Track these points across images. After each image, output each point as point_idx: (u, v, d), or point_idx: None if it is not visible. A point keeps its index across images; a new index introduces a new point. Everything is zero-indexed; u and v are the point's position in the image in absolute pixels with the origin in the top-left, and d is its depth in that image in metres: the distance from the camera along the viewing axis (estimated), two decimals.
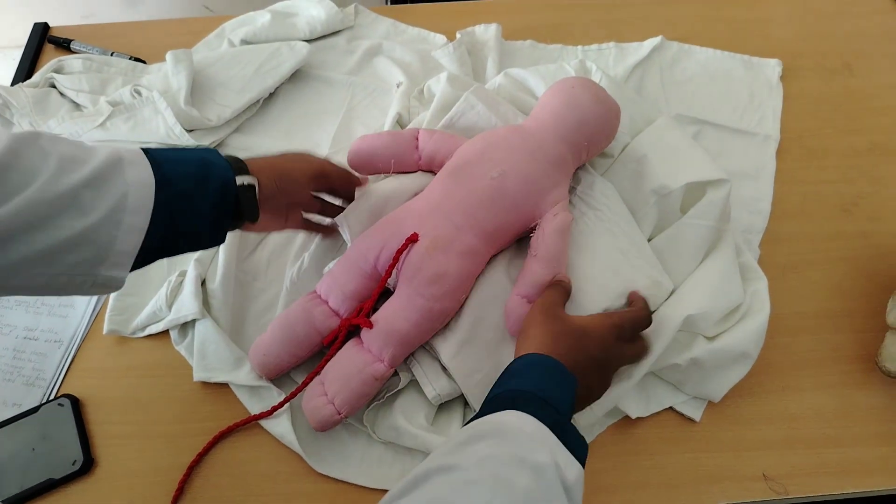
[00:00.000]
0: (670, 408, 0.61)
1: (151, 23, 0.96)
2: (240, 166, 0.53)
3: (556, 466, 0.39)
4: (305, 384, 0.58)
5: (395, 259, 0.58)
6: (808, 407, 0.61)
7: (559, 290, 0.57)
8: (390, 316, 0.58)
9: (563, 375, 0.48)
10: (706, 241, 0.63)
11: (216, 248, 0.68)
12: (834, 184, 0.75)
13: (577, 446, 0.43)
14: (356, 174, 0.65)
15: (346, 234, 0.63)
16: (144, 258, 0.48)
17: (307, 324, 0.60)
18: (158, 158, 0.48)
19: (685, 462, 0.59)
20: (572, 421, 0.47)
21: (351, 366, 0.57)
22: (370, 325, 0.58)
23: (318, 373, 0.58)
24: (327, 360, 0.58)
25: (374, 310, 0.60)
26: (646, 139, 0.68)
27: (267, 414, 0.60)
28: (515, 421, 0.42)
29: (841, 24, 0.89)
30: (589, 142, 0.64)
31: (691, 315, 0.59)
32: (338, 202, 0.66)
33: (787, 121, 0.80)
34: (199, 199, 0.50)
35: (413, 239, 0.58)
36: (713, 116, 0.79)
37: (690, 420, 0.61)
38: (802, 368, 0.63)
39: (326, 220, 0.66)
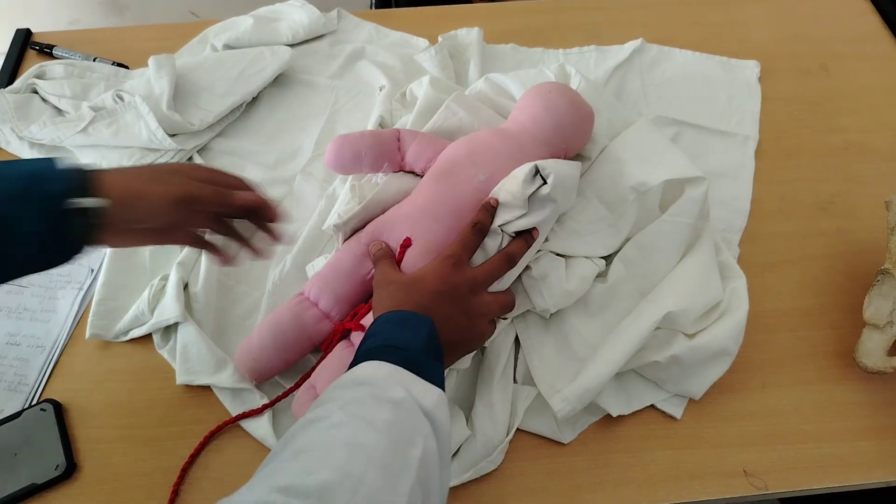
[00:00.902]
0: (651, 405, 0.62)
1: (134, 28, 0.96)
2: (83, 181, 0.47)
3: (412, 397, 0.43)
4: (298, 385, 0.58)
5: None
6: (787, 403, 0.62)
7: (383, 255, 0.59)
8: None
9: (413, 319, 0.51)
10: (685, 239, 0.64)
11: (198, 251, 0.68)
12: (811, 182, 0.76)
13: (433, 373, 0.47)
14: (245, 194, 0.56)
15: (339, 239, 0.64)
16: None
17: (298, 328, 0.60)
18: None
19: (666, 459, 0.59)
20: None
21: (345, 368, 0.56)
22: (363, 329, 0.58)
23: (309, 376, 0.58)
24: (318, 364, 0.58)
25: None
26: (624, 140, 0.68)
27: (260, 410, 0.60)
28: (369, 369, 0.45)
29: (817, 26, 0.90)
30: (566, 144, 0.65)
31: (671, 312, 0.59)
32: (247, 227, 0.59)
33: (764, 121, 0.81)
34: (18, 222, 0.44)
35: (407, 244, 0.59)
36: (693, 117, 0.80)
37: (671, 417, 0.61)
38: (781, 365, 0.64)
39: (224, 245, 0.59)
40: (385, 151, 0.66)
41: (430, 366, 0.47)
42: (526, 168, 0.57)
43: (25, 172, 0.45)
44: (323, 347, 0.59)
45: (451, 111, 0.70)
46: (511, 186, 0.57)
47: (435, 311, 0.52)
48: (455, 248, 0.57)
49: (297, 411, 0.58)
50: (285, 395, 0.59)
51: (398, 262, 0.59)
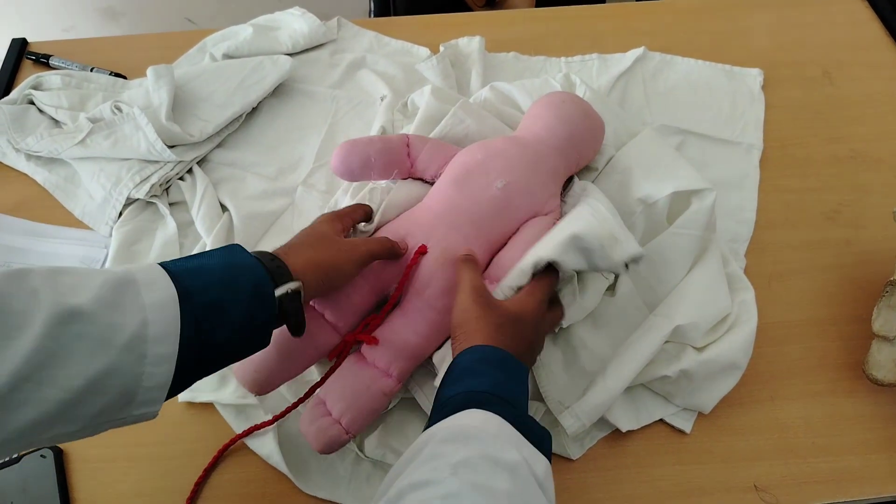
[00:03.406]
0: (661, 420, 0.61)
1: (132, 37, 0.95)
2: (277, 267, 0.47)
3: (527, 463, 0.39)
4: (305, 398, 0.56)
5: (407, 273, 0.57)
6: (797, 416, 0.61)
7: (474, 268, 0.55)
8: (399, 330, 0.56)
9: (515, 366, 0.47)
10: (693, 251, 0.63)
11: None
12: (817, 192, 0.76)
13: (541, 439, 0.43)
14: (395, 244, 0.59)
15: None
16: (181, 382, 0.43)
17: (304, 337, 0.57)
18: (175, 270, 0.43)
19: (676, 474, 0.59)
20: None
21: (358, 383, 0.55)
22: (376, 341, 0.56)
23: (316, 388, 0.56)
24: (328, 376, 0.56)
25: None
26: (630, 151, 0.68)
27: (270, 423, 0.58)
28: (478, 421, 0.41)
29: (820, 34, 0.90)
30: (579, 154, 0.65)
31: (680, 325, 0.59)
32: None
33: (768, 130, 0.80)
34: (229, 307, 0.43)
35: (422, 251, 0.58)
36: (696, 126, 0.80)
37: (681, 432, 0.61)
38: (790, 377, 0.64)
39: None
40: (395, 157, 0.64)
41: (536, 429, 0.43)
42: (529, 261, 0.54)
43: (223, 263, 0.45)
44: (331, 357, 0.56)
45: (457, 118, 0.69)
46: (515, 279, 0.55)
47: (526, 359, 0.50)
48: (546, 295, 0.54)
49: (306, 430, 0.55)
50: (294, 407, 0.57)
51: (411, 266, 0.57)
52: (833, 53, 0.88)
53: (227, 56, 0.85)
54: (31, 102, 0.79)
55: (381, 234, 0.60)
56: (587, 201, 0.60)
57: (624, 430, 0.60)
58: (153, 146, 0.72)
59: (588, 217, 0.55)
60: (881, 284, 0.62)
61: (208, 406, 0.62)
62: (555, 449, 0.59)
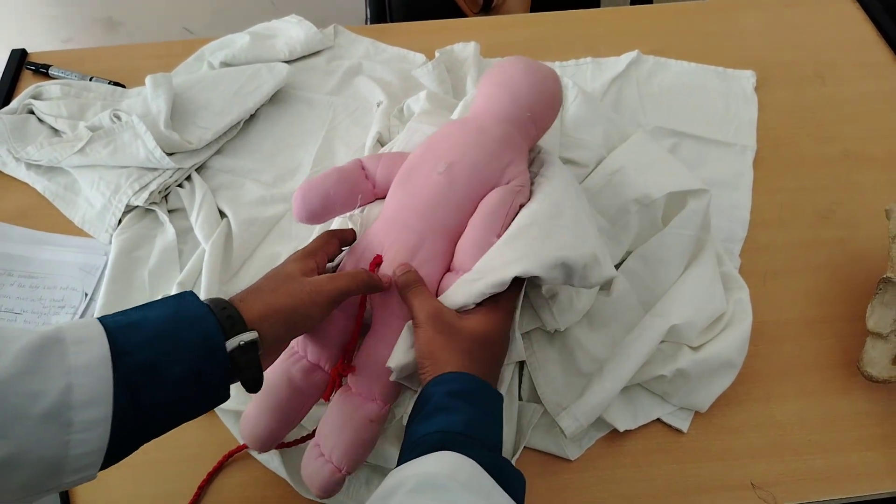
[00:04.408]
0: (658, 419, 0.61)
1: (130, 47, 0.96)
2: (229, 317, 0.43)
3: None
4: (298, 442, 0.56)
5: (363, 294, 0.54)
6: (793, 414, 0.62)
7: (420, 290, 0.52)
8: (373, 349, 0.54)
9: (487, 396, 0.46)
10: (688, 251, 0.64)
11: (199, 267, 0.68)
12: (810, 191, 0.76)
13: (513, 480, 0.41)
14: (372, 276, 0.54)
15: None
16: (123, 447, 0.40)
17: (289, 386, 0.54)
18: (112, 326, 0.40)
19: (674, 473, 0.59)
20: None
21: (342, 415, 0.53)
22: (352, 370, 0.53)
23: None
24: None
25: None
26: (622, 153, 0.69)
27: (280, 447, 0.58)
28: (448, 468, 0.39)
29: (812, 35, 0.91)
30: (532, 112, 0.60)
31: (675, 325, 0.59)
32: None
33: (762, 130, 0.81)
34: (169, 365, 0.40)
35: (377, 261, 0.55)
36: (690, 128, 0.80)
37: (678, 431, 0.61)
38: (786, 376, 0.64)
39: None
40: (353, 184, 0.60)
41: (509, 472, 0.41)
42: (511, 273, 0.50)
43: (168, 315, 0.42)
44: (325, 398, 0.54)
45: (412, 130, 0.69)
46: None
47: (496, 375, 0.49)
48: (513, 308, 0.53)
49: (304, 476, 0.53)
50: (291, 444, 0.56)
51: None
52: (825, 54, 0.89)
53: (225, 64, 0.86)
54: (31, 112, 0.80)
55: (347, 261, 0.57)
56: (566, 204, 0.56)
57: (621, 430, 0.60)
58: (152, 154, 0.73)
59: (570, 236, 0.53)
60: (875, 282, 0.63)
61: (210, 411, 0.62)
62: (553, 450, 0.60)
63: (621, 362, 0.59)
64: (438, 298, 0.53)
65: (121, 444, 0.40)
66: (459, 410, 0.43)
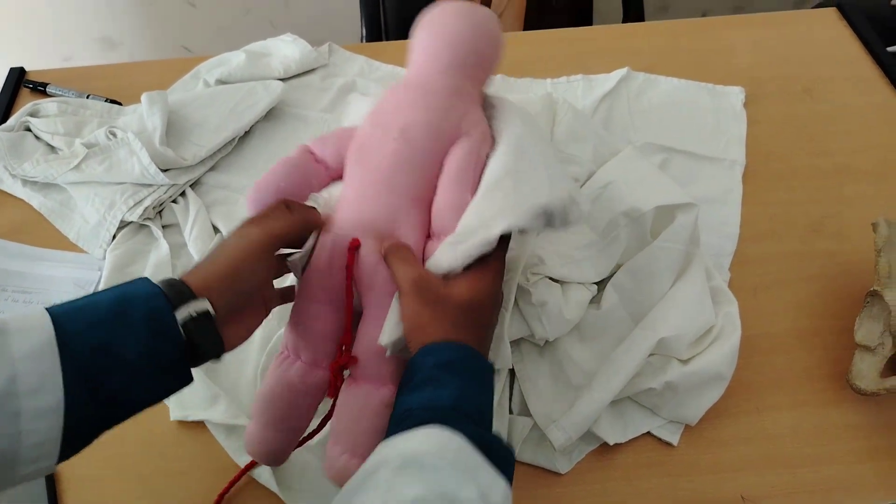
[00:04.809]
0: (648, 433, 0.61)
1: (128, 65, 0.97)
2: (178, 292, 0.42)
3: (483, 497, 0.36)
4: (302, 443, 0.54)
5: (349, 275, 0.51)
6: (783, 426, 0.62)
7: (405, 257, 0.50)
8: (370, 334, 0.51)
9: (478, 366, 0.45)
10: (677, 264, 0.64)
11: None
12: (801, 204, 0.77)
13: (501, 457, 0.40)
14: (310, 208, 0.54)
15: (296, 274, 0.54)
16: (83, 434, 0.39)
17: (288, 392, 0.52)
18: (58, 312, 0.39)
19: (664, 486, 0.59)
20: None
21: (354, 407, 0.50)
22: (355, 360, 0.51)
23: (315, 434, 0.54)
24: (326, 420, 0.53)
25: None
26: (612, 168, 0.69)
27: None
28: (435, 446, 0.38)
29: (800, 51, 0.92)
30: (475, 55, 0.57)
31: (664, 338, 0.60)
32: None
33: (752, 145, 0.82)
34: (121, 346, 0.39)
35: (355, 245, 0.51)
36: (680, 144, 0.81)
37: (668, 444, 0.61)
38: (777, 388, 0.64)
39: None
40: (304, 172, 0.57)
41: (498, 448, 0.40)
42: (497, 231, 0.48)
43: (114, 296, 0.41)
44: (330, 395, 0.52)
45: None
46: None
47: (486, 342, 0.47)
48: (502, 264, 0.50)
49: (341, 479, 0.50)
50: (297, 445, 0.54)
51: (350, 266, 0.51)
52: (814, 70, 0.90)
53: (221, 82, 0.87)
54: (28, 129, 0.81)
55: (320, 247, 0.53)
56: (531, 147, 0.53)
57: (611, 444, 0.60)
58: (147, 170, 0.74)
59: (544, 179, 0.50)
60: (864, 295, 0.63)
61: (200, 425, 0.62)
62: (543, 463, 0.60)
63: (610, 375, 0.59)
64: (424, 266, 0.51)
65: (79, 433, 0.39)
66: (447, 384, 0.42)
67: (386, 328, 0.49)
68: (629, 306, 0.64)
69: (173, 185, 0.76)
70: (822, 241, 0.74)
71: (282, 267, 0.52)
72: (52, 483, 0.59)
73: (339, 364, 0.51)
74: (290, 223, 0.49)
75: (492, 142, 0.55)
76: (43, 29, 1.65)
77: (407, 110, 0.54)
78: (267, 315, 0.52)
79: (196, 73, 0.90)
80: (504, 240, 0.50)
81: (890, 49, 0.96)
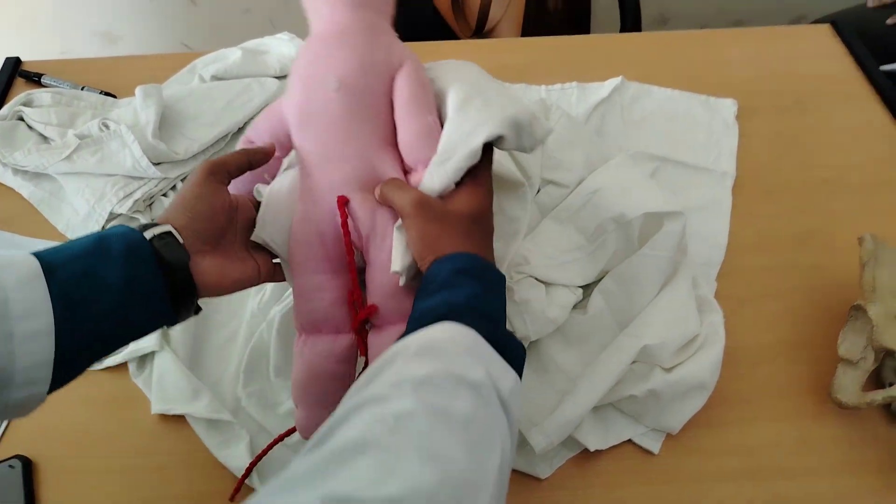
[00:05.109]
0: (630, 441, 0.61)
1: (125, 59, 0.98)
2: (146, 226, 0.46)
3: (492, 380, 0.38)
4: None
5: (346, 232, 0.51)
6: (765, 438, 0.62)
7: (400, 185, 0.51)
8: (381, 278, 0.51)
9: (492, 275, 0.46)
10: (663, 272, 0.64)
11: None
12: (789, 217, 0.77)
13: (514, 355, 0.42)
14: (254, 144, 0.55)
15: (275, 248, 0.54)
16: (73, 363, 0.41)
17: (322, 367, 0.52)
18: (42, 252, 0.41)
19: (644, 495, 0.59)
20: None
21: (385, 350, 0.48)
22: (374, 308, 0.51)
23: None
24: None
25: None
26: (602, 174, 0.69)
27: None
28: (450, 334, 0.40)
29: (794, 67, 0.93)
30: None
31: (648, 345, 0.60)
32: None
33: (743, 157, 0.82)
34: (104, 272, 0.41)
35: (344, 201, 0.51)
36: (672, 153, 0.81)
37: (649, 452, 0.61)
38: (759, 400, 0.64)
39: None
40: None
41: (510, 344, 0.42)
42: (479, 140, 0.49)
43: (89, 237, 0.43)
44: (363, 354, 0.52)
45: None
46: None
47: (492, 250, 0.49)
48: (489, 174, 0.52)
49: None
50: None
51: (344, 222, 0.51)
52: (806, 85, 0.90)
53: (216, 78, 0.87)
54: (21, 119, 0.81)
55: (302, 216, 0.53)
56: (481, 80, 0.55)
57: (592, 450, 0.60)
58: (138, 163, 0.74)
59: (506, 100, 0.52)
60: (849, 309, 0.63)
61: (181, 419, 0.62)
62: (523, 467, 0.59)
63: (593, 380, 0.59)
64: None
65: (69, 361, 0.40)
66: (465, 286, 0.43)
67: (395, 257, 0.50)
68: (615, 312, 0.64)
69: (164, 178, 0.76)
70: (808, 255, 0.74)
71: (234, 202, 0.52)
72: (28, 475, 0.59)
73: (360, 320, 0.51)
74: (237, 157, 0.52)
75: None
76: (42, 22, 1.65)
77: (333, 59, 0.53)
78: (255, 276, 0.52)
79: (192, 69, 0.90)
80: (486, 154, 0.50)
81: (883, 68, 0.97)
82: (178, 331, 0.65)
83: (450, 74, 0.56)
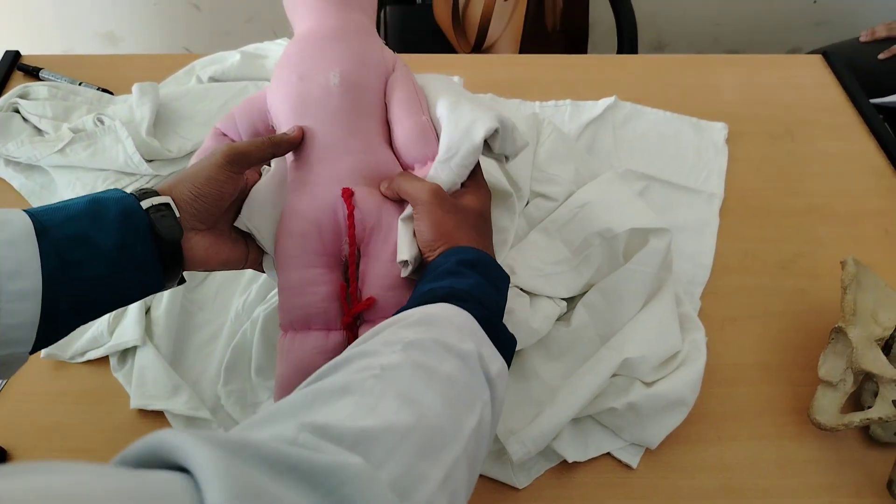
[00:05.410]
0: (608, 454, 0.61)
1: (124, 57, 0.98)
2: (144, 193, 0.46)
3: (480, 357, 0.39)
4: None
5: (351, 224, 0.51)
6: (743, 457, 0.62)
7: (412, 177, 0.52)
8: (380, 270, 0.51)
9: (498, 272, 0.48)
10: (647, 288, 0.65)
11: None
12: (774, 241, 0.78)
13: (505, 345, 0.43)
14: (277, 134, 0.54)
15: (259, 238, 0.53)
16: (58, 324, 0.42)
17: (315, 365, 0.48)
18: (36, 211, 0.42)
19: None
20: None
21: None
22: (371, 301, 0.50)
23: None
24: None
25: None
26: (591, 189, 0.70)
27: None
28: (445, 312, 0.41)
29: (784, 94, 0.94)
30: None
31: (629, 358, 0.60)
32: None
33: (731, 180, 0.83)
34: (96, 237, 0.42)
35: (350, 193, 0.51)
36: (661, 173, 0.82)
37: (627, 466, 0.61)
38: (739, 419, 0.64)
39: None
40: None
41: (503, 334, 0.44)
42: (479, 136, 0.50)
43: (86, 199, 0.44)
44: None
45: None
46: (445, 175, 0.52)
47: (492, 253, 0.51)
48: (484, 179, 0.55)
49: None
50: None
51: (350, 213, 0.51)
52: (796, 113, 0.92)
53: (214, 79, 0.88)
54: (17, 111, 0.81)
55: (296, 207, 0.53)
56: (461, 94, 0.56)
57: (570, 461, 0.60)
58: (131, 158, 0.74)
59: (489, 109, 0.53)
60: (829, 332, 0.64)
61: (159, 415, 0.62)
62: (501, 477, 0.59)
63: (573, 392, 0.59)
64: None
65: (54, 322, 0.41)
66: (470, 276, 0.45)
67: (401, 247, 0.50)
68: (599, 326, 0.64)
69: (156, 175, 0.76)
70: (792, 279, 0.75)
71: (245, 186, 0.53)
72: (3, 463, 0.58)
73: (353, 315, 0.50)
74: (258, 146, 0.51)
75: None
76: (45, 20, 1.66)
77: (333, 54, 0.54)
78: (242, 260, 0.53)
79: (190, 70, 0.91)
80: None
81: (873, 101, 0.99)
82: (160, 327, 0.65)
83: (434, 83, 0.57)
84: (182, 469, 0.23)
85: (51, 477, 0.21)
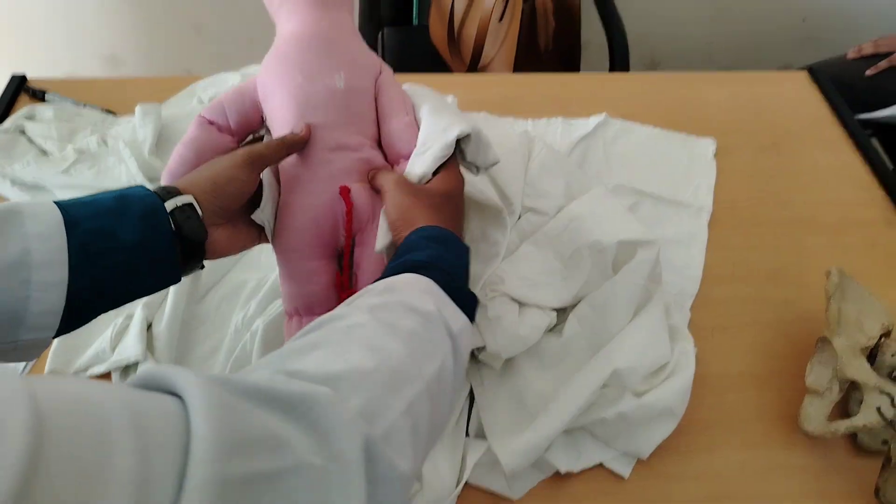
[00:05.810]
0: (600, 464, 0.62)
1: (127, 80, 1.01)
2: (167, 192, 0.48)
3: (441, 315, 0.42)
4: None
5: (349, 217, 0.54)
6: (733, 466, 0.63)
7: (387, 167, 0.58)
8: (373, 256, 0.54)
9: (455, 243, 0.51)
10: (636, 299, 0.66)
11: (166, 291, 0.70)
12: (762, 252, 0.80)
13: (466, 303, 0.46)
14: (291, 135, 0.56)
15: (267, 230, 0.57)
16: (81, 312, 0.44)
17: None
18: (66, 204, 0.44)
19: None
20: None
21: None
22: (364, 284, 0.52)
23: None
24: None
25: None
26: (581, 203, 0.72)
27: None
28: (407, 279, 0.44)
29: (771, 108, 0.97)
30: None
31: (618, 369, 0.61)
32: None
33: (720, 193, 0.85)
34: (120, 232, 0.44)
35: (348, 190, 0.54)
36: (651, 188, 0.84)
37: (619, 477, 0.62)
38: (729, 427, 0.65)
39: None
40: (212, 148, 0.58)
41: (464, 294, 0.47)
42: (453, 135, 0.54)
43: (113, 195, 0.46)
44: None
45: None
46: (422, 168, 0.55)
47: (462, 231, 0.54)
48: (459, 168, 0.58)
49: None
50: None
51: (349, 210, 0.54)
52: (782, 127, 0.94)
53: None
54: (23, 133, 0.83)
55: (293, 204, 0.56)
56: (440, 104, 0.60)
57: (563, 471, 0.61)
58: (134, 178, 0.76)
59: (466, 120, 0.57)
60: (816, 341, 0.65)
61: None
62: (496, 488, 0.60)
63: (564, 403, 0.60)
64: None
65: (76, 310, 0.43)
66: (426, 248, 0.48)
67: (379, 236, 0.54)
68: (589, 337, 0.66)
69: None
70: (780, 289, 0.76)
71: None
72: None
73: (350, 292, 0.54)
74: (275, 148, 0.55)
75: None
76: (48, 43, 1.69)
77: (333, 57, 0.57)
78: (257, 240, 0.57)
79: (191, 91, 0.93)
80: (456, 150, 0.56)
81: (863, 116, 1.01)
82: (162, 341, 0.66)
83: (418, 91, 0.62)
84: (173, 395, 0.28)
85: (78, 385, 0.26)
